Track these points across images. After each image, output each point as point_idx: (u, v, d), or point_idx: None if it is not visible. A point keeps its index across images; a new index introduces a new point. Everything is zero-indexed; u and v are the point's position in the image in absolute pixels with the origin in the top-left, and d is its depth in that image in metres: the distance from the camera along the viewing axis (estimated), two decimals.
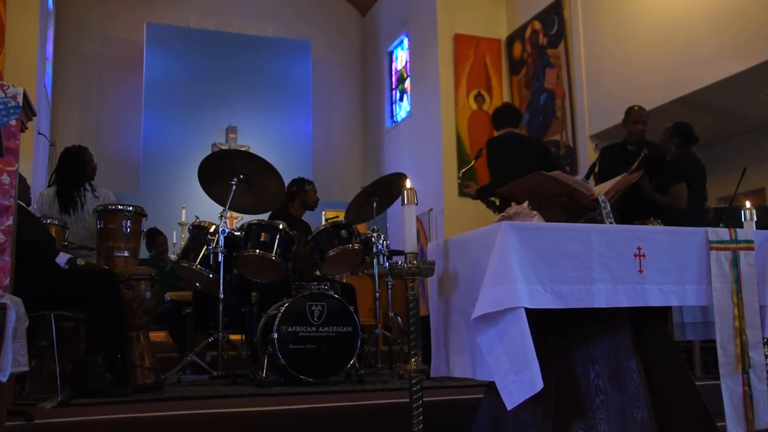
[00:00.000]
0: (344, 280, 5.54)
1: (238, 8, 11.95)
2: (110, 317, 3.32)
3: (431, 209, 9.68)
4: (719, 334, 2.34)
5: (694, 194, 4.92)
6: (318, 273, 4.76)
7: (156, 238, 6.66)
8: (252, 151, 8.58)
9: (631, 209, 4.37)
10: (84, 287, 3.33)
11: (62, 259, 3.45)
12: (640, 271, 2.22)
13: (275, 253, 4.16)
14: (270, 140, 10.70)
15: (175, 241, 7.54)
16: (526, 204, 2.33)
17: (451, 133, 9.71)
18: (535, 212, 2.30)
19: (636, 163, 4.52)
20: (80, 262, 3.53)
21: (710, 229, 2.38)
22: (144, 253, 6.65)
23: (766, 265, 2.42)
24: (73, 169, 4.62)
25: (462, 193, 5.44)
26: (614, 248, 2.21)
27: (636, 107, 5.04)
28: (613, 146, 5.24)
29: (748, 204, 2.59)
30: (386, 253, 4.59)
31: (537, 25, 9.49)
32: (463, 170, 5.88)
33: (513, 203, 2.38)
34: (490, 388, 2.32)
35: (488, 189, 5.25)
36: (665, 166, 4.94)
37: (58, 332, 3.27)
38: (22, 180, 4.14)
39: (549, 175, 2.43)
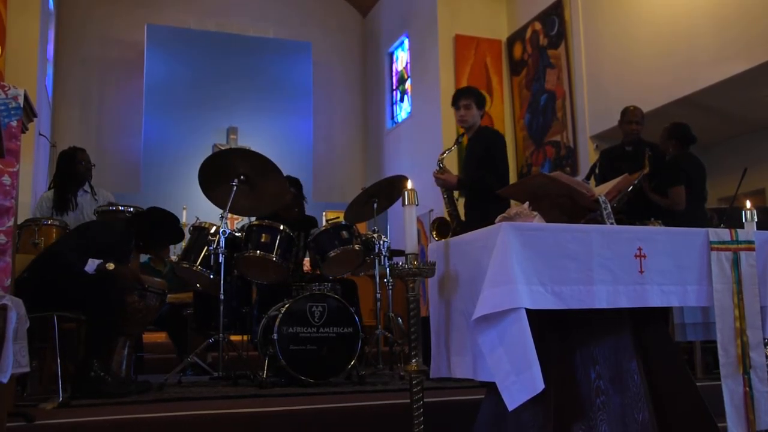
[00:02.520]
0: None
1: (239, 9, 11.95)
2: (104, 322, 3.32)
3: (432, 210, 9.67)
4: (720, 334, 2.34)
5: (693, 195, 4.91)
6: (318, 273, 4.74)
7: None
8: None
9: (637, 211, 4.37)
10: (85, 290, 3.33)
11: (91, 266, 3.39)
12: (641, 272, 2.23)
13: (276, 254, 4.16)
14: (270, 141, 10.69)
15: None
16: (526, 205, 2.33)
17: (451, 134, 9.68)
18: (535, 213, 2.30)
19: (647, 165, 4.51)
20: (109, 266, 3.42)
21: (711, 230, 2.38)
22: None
23: (767, 266, 2.43)
24: (66, 171, 4.64)
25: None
26: (615, 249, 2.21)
27: (631, 107, 5.05)
28: (612, 148, 5.25)
29: (748, 204, 2.59)
30: (387, 254, 4.59)
31: (537, 26, 9.49)
32: (445, 154, 4.70)
33: (513, 203, 2.38)
34: (491, 388, 2.32)
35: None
36: (664, 167, 4.94)
37: (59, 333, 3.27)
38: None
39: (550, 175, 2.44)
